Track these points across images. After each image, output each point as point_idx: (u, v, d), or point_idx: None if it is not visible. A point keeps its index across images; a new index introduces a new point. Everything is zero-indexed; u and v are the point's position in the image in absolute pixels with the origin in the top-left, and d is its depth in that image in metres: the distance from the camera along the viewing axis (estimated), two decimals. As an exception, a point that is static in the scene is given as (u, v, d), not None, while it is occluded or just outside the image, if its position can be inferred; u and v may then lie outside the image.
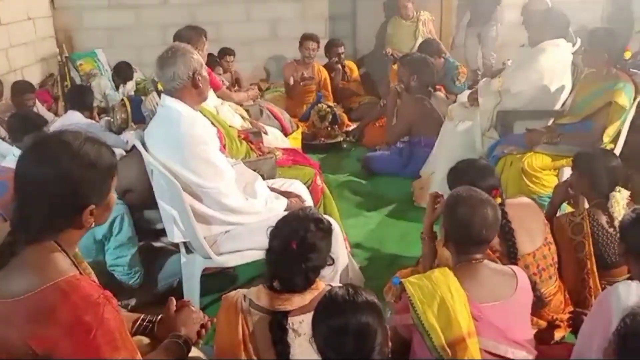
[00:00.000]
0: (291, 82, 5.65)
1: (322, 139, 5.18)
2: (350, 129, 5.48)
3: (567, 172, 3.18)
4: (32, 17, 5.97)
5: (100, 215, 1.37)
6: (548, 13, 3.69)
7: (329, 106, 5.27)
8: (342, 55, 6.10)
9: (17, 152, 3.12)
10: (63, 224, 1.32)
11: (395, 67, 5.55)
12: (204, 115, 2.68)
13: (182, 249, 2.53)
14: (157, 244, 3.07)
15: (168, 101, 2.34)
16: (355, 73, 6.24)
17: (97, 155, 1.32)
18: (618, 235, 2.20)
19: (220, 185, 2.34)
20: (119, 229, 2.62)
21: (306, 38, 5.71)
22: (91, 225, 1.34)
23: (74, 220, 1.32)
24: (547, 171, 3.19)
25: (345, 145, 5.22)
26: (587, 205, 2.57)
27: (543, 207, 3.09)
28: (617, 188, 2.37)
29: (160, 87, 2.47)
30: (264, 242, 1.88)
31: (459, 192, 1.94)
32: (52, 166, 1.27)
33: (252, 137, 3.45)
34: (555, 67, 3.54)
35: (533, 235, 2.27)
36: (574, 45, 3.74)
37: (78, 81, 6.12)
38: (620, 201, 2.34)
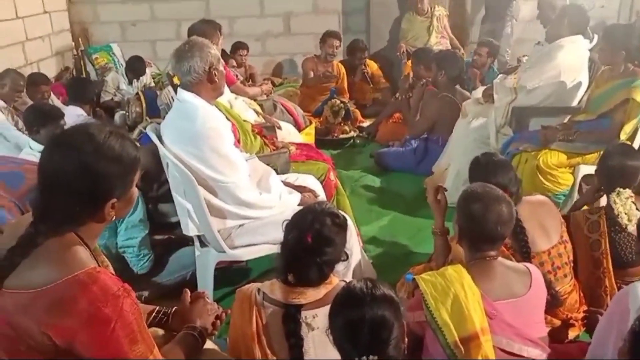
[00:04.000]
0: (311, 75, 5.62)
1: (335, 134, 5.17)
2: (363, 125, 5.47)
3: (582, 170, 3.15)
4: (49, 10, 6.03)
5: (122, 209, 1.38)
6: (567, 9, 3.65)
7: (342, 102, 5.26)
8: (365, 59, 6.02)
9: (34, 144, 3.17)
10: (84, 216, 1.33)
11: (409, 62, 5.53)
12: (219, 109, 2.69)
13: (197, 243, 2.54)
14: (171, 237, 3.11)
15: (184, 95, 2.35)
16: (374, 67, 6.17)
17: (121, 148, 1.32)
18: (636, 234, 2.20)
19: (235, 179, 2.35)
20: (133, 211, 2.66)
21: (329, 35, 5.64)
22: (112, 219, 1.35)
23: (96, 213, 1.33)
24: (563, 169, 3.16)
25: (358, 141, 5.22)
26: (603, 203, 2.55)
27: (558, 204, 3.08)
28: (617, 190, 2.34)
29: (175, 80, 2.47)
30: (278, 236, 1.89)
31: (473, 188, 1.94)
32: (76, 158, 1.27)
33: (266, 131, 3.45)
34: (572, 64, 3.50)
35: (549, 233, 2.25)
36: (591, 41, 3.70)
37: (93, 75, 6.18)
38: (618, 202, 2.31)
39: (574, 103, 3.56)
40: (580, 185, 3.23)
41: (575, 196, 3.17)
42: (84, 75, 6.18)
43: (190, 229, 2.42)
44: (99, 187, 1.30)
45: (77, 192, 1.28)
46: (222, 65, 2.44)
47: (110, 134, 1.32)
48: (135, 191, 1.39)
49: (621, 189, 2.33)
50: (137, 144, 3.70)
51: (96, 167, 1.28)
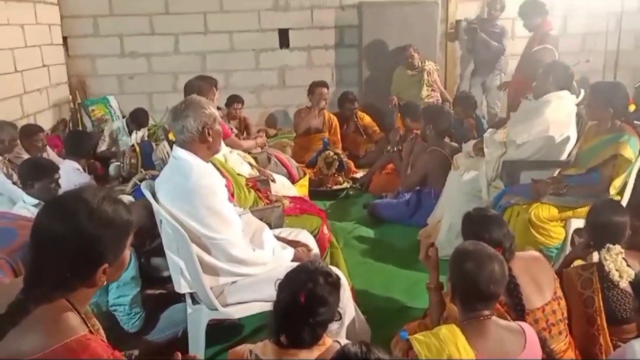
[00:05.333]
0: (301, 128, 5.70)
1: (329, 185, 5.21)
2: (357, 175, 5.51)
3: (574, 224, 3.17)
4: (47, 64, 6.14)
5: (113, 273, 1.38)
6: (552, 66, 3.75)
7: (335, 153, 5.33)
8: (355, 110, 6.14)
9: (27, 198, 3.17)
10: (76, 282, 1.33)
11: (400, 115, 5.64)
12: (213, 164, 2.72)
13: (188, 300, 2.52)
14: (162, 292, 3.08)
15: (179, 152, 2.38)
16: (367, 119, 6.27)
17: (114, 213, 1.34)
18: (629, 290, 2.21)
19: (228, 236, 2.35)
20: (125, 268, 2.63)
21: (317, 85, 5.75)
22: (103, 284, 1.35)
23: (87, 279, 1.33)
24: (554, 222, 3.18)
25: (351, 192, 5.25)
26: (595, 259, 2.56)
27: (551, 258, 3.09)
28: (607, 246, 2.36)
29: (171, 136, 2.51)
30: (271, 293, 1.88)
31: (465, 246, 1.95)
32: (70, 224, 1.28)
33: (260, 185, 3.48)
34: (560, 119, 3.58)
35: (542, 290, 2.24)
36: (577, 96, 3.80)
37: (90, 126, 6.24)
38: (608, 258, 2.32)
39: (563, 157, 3.63)
40: (572, 238, 3.24)
41: (568, 250, 3.18)
42: (80, 127, 6.25)
43: (182, 287, 2.40)
44: (91, 252, 1.30)
45: (69, 257, 1.28)
46: (220, 123, 2.46)
47: (104, 199, 1.33)
48: (127, 255, 1.40)
49: (611, 245, 2.34)
50: (131, 196, 3.72)
51: (89, 232, 1.29)
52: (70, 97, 6.56)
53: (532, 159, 3.61)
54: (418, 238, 4.03)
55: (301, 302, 1.74)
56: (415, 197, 4.42)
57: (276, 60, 6.97)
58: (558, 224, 3.19)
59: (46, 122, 5.91)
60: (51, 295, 1.29)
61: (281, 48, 6.93)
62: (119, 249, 1.37)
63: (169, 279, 2.70)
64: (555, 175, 3.47)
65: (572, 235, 3.23)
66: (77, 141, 4.46)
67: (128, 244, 1.39)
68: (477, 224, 2.32)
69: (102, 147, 5.74)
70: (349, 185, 5.28)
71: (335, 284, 1.84)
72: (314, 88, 5.74)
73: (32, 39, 5.77)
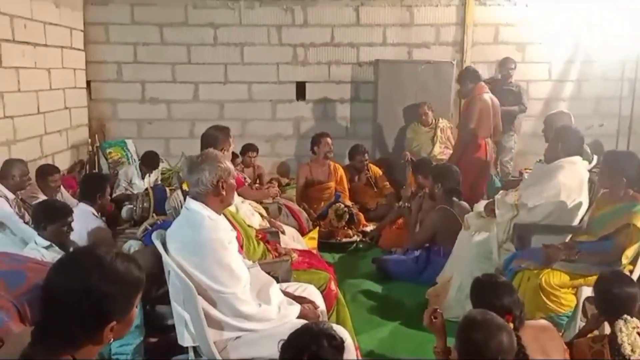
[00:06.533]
0: (302, 181, 5.71)
1: (339, 238, 5.19)
2: (367, 229, 5.50)
3: (585, 292, 3.12)
4: (69, 106, 6.31)
5: (120, 331, 1.38)
6: (561, 133, 3.75)
7: (346, 206, 5.34)
8: (367, 162, 6.16)
9: (39, 239, 3.19)
10: (84, 339, 1.33)
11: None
12: (224, 215, 2.74)
13: (191, 353, 2.48)
14: (165, 340, 3.05)
15: (192, 204, 2.41)
16: (378, 172, 6.26)
17: (125, 272, 1.35)
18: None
19: (235, 290, 2.34)
20: None
21: (322, 136, 5.74)
22: (110, 342, 1.35)
23: (95, 336, 1.33)
24: (565, 289, 3.13)
25: (361, 246, 5.23)
26: (607, 331, 2.50)
27: (561, 326, 3.03)
28: (624, 317, 2.31)
29: (184, 186, 2.54)
30: (275, 350, 1.86)
31: (474, 315, 1.92)
32: (81, 281, 1.30)
33: (270, 237, 3.48)
34: (572, 185, 3.57)
35: (552, 361, 2.20)
36: (590, 162, 3.79)
37: (106, 168, 6.34)
38: (624, 331, 2.27)
39: (575, 222, 3.60)
40: (584, 306, 3.18)
41: (579, 318, 3.12)
42: (97, 169, 6.34)
43: (185, 340, 2.38)
44: (101, 310, 1.31)
45: (79, 314, 1.29)
46: (234, 177, 2.49)
47: (117, 257, 1.35)
48: (135, 312, 1.40)
49: (628, 317, 2.29)
50: (140, 241, 3.70)
51: (100, 290, 1.30)
52: (90, 139, 6.71)
53: (544, 223, 3.59)
54: (427, 297, 3.98)
55: (304, 365, 1.72)
56: (424, 254, 4.39)
57: (292, 112, 7.11)
58: (569, 291, 3.13)
59: (64, 162, 6.03)
60: (58, 351, 1.29)
61: (297, 100, 7.09)
62: (128, 307, 1.37)
63: (173, 328, 2.68)
64: (567, 241, 3.43)
65: (584, 303, 3.17)
66: (93, 186, 4.48)
67: (137, 301, 1.40)
68: (486, 290, 2.30)
69: (118, 190, 5.82)
70: (358, 239, 5.26)
71: (339, 347, 1.82)
72: (319, 138, 5.72)
73: (57, 82, 5.96)
